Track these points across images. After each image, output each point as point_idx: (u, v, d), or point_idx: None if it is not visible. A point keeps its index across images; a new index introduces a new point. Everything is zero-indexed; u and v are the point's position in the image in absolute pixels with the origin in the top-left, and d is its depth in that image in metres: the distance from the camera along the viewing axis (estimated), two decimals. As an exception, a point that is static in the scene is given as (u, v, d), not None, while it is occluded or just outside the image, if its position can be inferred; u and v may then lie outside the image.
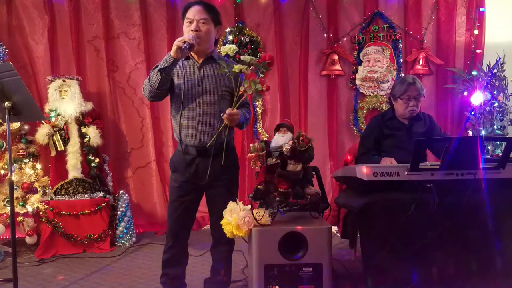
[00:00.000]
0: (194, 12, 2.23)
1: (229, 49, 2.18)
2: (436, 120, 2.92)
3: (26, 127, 3.75)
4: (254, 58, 2.14)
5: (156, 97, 2.30)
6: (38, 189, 3.69)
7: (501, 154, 2.32)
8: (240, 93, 2.18)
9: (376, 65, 4.27)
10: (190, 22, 2.23)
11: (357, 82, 4.30)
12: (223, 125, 2.20)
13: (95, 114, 3.92)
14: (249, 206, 2.13)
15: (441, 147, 2.76)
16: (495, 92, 4.09)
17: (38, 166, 3.75)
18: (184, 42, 2.12)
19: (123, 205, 3.81)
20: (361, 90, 4.31)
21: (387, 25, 4.28)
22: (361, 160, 2.86)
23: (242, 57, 2.14)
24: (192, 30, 2.21)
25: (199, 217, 4.17)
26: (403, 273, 2.24)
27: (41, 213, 3.59)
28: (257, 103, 4.23)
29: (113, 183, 3.96)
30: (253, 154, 2.21)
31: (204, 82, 2.28)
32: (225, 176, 2.35)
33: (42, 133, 3.63)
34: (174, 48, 2.13)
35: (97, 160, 3.83)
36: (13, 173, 3.09)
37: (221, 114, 2.17)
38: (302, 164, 2.16)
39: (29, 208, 3.57)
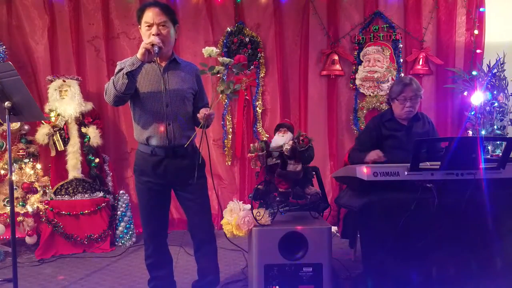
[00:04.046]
0: (152, 16, 2.21)
1: (212, 51, 2.18)
2: (436, 120, 2.93)
3: (26, 127, 3.76)
4: (231, 60, 2.18)
5: (121, 100, 2.23)
6: (38, 189, 3.69)
7: (501, 154, 2.32)
8: (217, 93, 2.19)
9: (376, 65, 4.27)
10: (150, 26, 2.22)
11: (357, 82, 4.30)
12: (200, 125, 2.20)
13: (95, 114, 3.92)
14: (249, 206, 2.13)
15: (438, 151, 2.80)
16: (495, 92, 4.09)
17: (38, 166, 3.75)
18: (153, 45, 2.11)
19: (123, 205, 3.81)
20: (361, 90, 4.31)
21: (387, 25, 4.28)
22: (351, 156, 2.89)
23: (220, 59, 2.19)
24: (153, 35, 2.20)
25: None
26: (403, 273, 2.24)
27: (41, 213, 3.60)
28: (257, 103, 4.23)
29: (113, 183, 3.96)
30: (253, 154, 2.21)
31: (170, 86, 2.27)
32: (194, 174, 2.32)
33: (42, 133, 3.63)
34: (142, 50, 2.11)
35: (97, 160, 3.83)
36: (13, 173, 3.09)
37: (198, 115, 2.19)
38: (302, 164, 2.16)
39: (29, 208, 3.58)
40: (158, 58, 2.29)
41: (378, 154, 2.70)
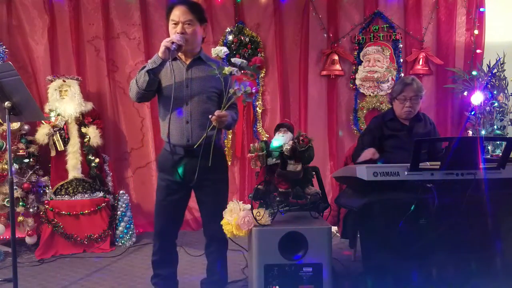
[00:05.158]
0: (178, 14, 2.21)
1: (220, 51, 2.17)
2: (436, 120, 2.94)
3: (26, 127, 3.75)
4: (244, 61, 2.16)
5: (144, 97, 2.28)
6: (38, 189, 3.69)
7: (501, 154, 2.32)
8: (229, 95, 2.17)
9: (376, 65, 4.27)
10: (176, 24, 2.22)
11: (357, 82, 4.30)
12: (211, 126, 2.19)
13: (95, 114, 3.92)
14: (249, 206, 2.13)
15: (438, 151, 2.80)
16: (495, 92, 4.09)
17: (38, 166, 3.75)
18: (172, 42, 2.12)
19: (123, 205, 3.81)
20: (361, 90, 4.31)
21: (387, 25, 4.28)
22: (353, 156, 2.90)
23: (232, 60, 2.16)
24: (178, 33, 2.21)
25: (199, 217, 4.15)
26: (403, 273, 2.24)
27: (41, 213, 3.60)
28: (257, 103, 4.23)
29: (113, 183, 3.96)
30: (253, 154, 2.21)
31: (192, 84, 2.27)
32: (213, 176, 2.33)
33: (42, 133, 3.63)
34: (162, 48, 2.13)
35: (97, 160, 3.83)
36: (13, 173, 3.09)
37: (210, 116, 2.17)
38: (302, 164, 2.15)
39: (29, 208, 3.57)
40: (183, 56, 2.30)
41: (372, 153, 2.70)
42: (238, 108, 2.46)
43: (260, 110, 4.26)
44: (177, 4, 2.24)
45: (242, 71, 2.18)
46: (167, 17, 2.29)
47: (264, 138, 4.20)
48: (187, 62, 2.30)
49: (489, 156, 3.66)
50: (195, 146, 2.23)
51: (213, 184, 2.35)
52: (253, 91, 2.14)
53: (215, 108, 2.26)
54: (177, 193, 2.36)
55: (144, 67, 2.22)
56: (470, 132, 4.17)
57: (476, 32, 4.32)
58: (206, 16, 2.34)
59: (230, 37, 4.14)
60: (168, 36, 4.30)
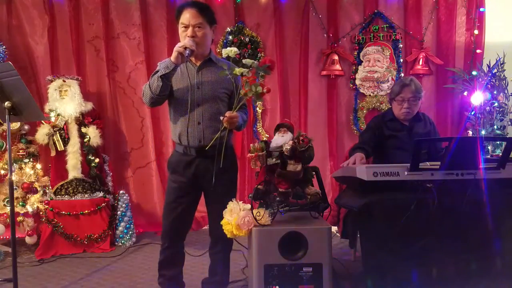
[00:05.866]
0: (188, 17, 2.21)
1: (230, 51, 2.18)
2: (436, 120, 2.94)
3: (26, 127, 3.75)
4: (255, 62, 2.16)
5: (157, 102, 2.30)
6: (38, 189, 3.69)
7: (501, 154, 2.32)
8: (240, 96, 2.18)
9: (376, 65, 4.27)
10: (186, 27, 2.22)
11: (357, 82, 4.30)
12: (222, 127, 2.21)
13: (95, 114, 3.92)
14: (249, 206, 2.13)
15: (438, 151, 2.79)
16: (495, 92, 4.09)
17: (38, 166, 3.75)
18: (185, 48, 2.12)
19: (123, 205, 3.81)
20: (361, 90, 4.31)
21: (387, 25, 4.28)
22: (350, 153, 2.90)
23: (244, 61, 2.15)
24: (188, 36, 2.21)
25: (199, 217, 4.17)
26: (403, 273, 2.24)
27: (41, 213, 3.60)
28: (257, 103, 4.23)
29: (113, 183, 3.96)
30: (253, 154, 2.21)
31: (203, 85, 2.29)
32: (224, 176, 2.35)
33: (42, 133, 3.63)
34: (175, 54, 2.13)
35: (97, 160, 3.83)
36: (13, 173, 3.09)
37: (221, 117, 2.18)
38: (302, 164, 2.15)
39: (29, 208, 3.58)
40: (193, 58, 2.30)
41: (360, 159, 2.63)
42: (247, 109, 2.48)
43: (260, 110, 4.26)
44: (186, 7, 2.23)
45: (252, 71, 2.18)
46: (176, 20, 2.28)
47: (264, 138, 4.20)
48: (197, 64, 2.31)
49: (489, 156, 3.65)
50: (206, 148, 2.24)
51: (224, 185, 2.36)
52: (265, 91, 2.15)
53: (225, 109, 2.28)
54: (187, 195, 2.36)
55: (156, 72, 2.21)
56: (470, 132, 4.17)
57: (476, 32, 4.32)
58: (215, 17, 2.34)
59: (230, 37, 4.15)
60: (168, 35, 4.33)
